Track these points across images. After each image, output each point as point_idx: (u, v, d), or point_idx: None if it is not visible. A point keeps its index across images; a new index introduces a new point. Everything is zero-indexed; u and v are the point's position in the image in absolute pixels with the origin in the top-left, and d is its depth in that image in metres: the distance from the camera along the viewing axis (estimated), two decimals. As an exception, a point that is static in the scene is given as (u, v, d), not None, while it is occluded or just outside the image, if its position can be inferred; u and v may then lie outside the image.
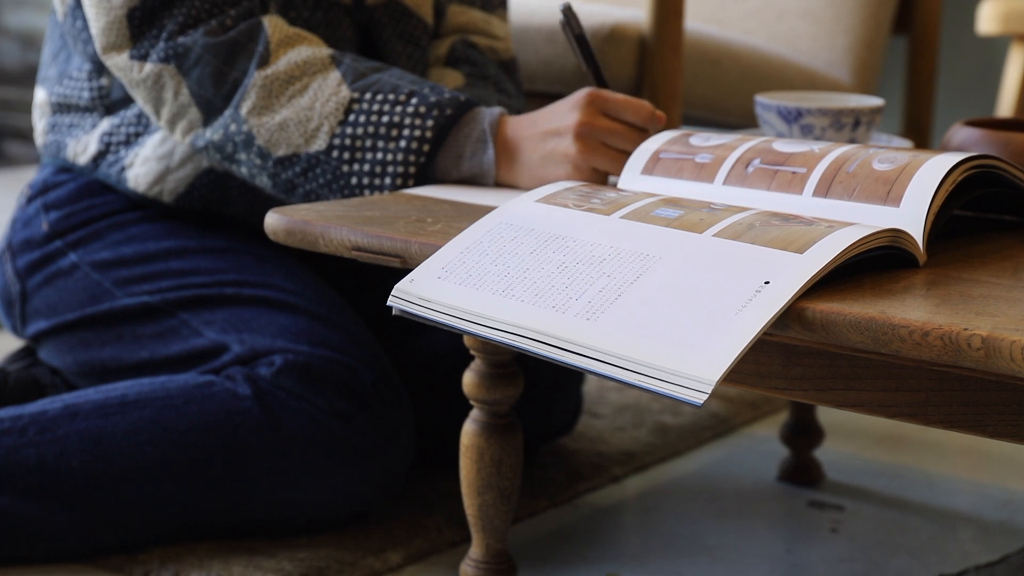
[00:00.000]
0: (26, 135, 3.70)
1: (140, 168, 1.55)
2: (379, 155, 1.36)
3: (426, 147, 1.36)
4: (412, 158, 1.36)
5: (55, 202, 1.61)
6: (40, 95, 1.65)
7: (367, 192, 1.37)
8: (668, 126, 1.86)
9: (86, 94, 1.59)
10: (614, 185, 1.25)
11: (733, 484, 1.73)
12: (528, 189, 1.34)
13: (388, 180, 1.36)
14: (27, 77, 3.72)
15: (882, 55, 2.24)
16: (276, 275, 1.55)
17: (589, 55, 1.37)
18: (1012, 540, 1.57)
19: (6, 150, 3.88)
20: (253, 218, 1.55)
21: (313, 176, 1.39)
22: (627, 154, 1.32)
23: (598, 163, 1.32)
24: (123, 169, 1.56)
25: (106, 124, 1.58)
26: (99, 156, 1.58)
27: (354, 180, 1.37)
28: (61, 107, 1.62)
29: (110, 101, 1.58)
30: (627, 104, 1.33)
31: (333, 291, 1.59)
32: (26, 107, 3.60)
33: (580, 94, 1.34)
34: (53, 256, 1.59)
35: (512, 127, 1.36)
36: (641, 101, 1.34)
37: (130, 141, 1.56)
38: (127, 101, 1.57)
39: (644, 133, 1.33)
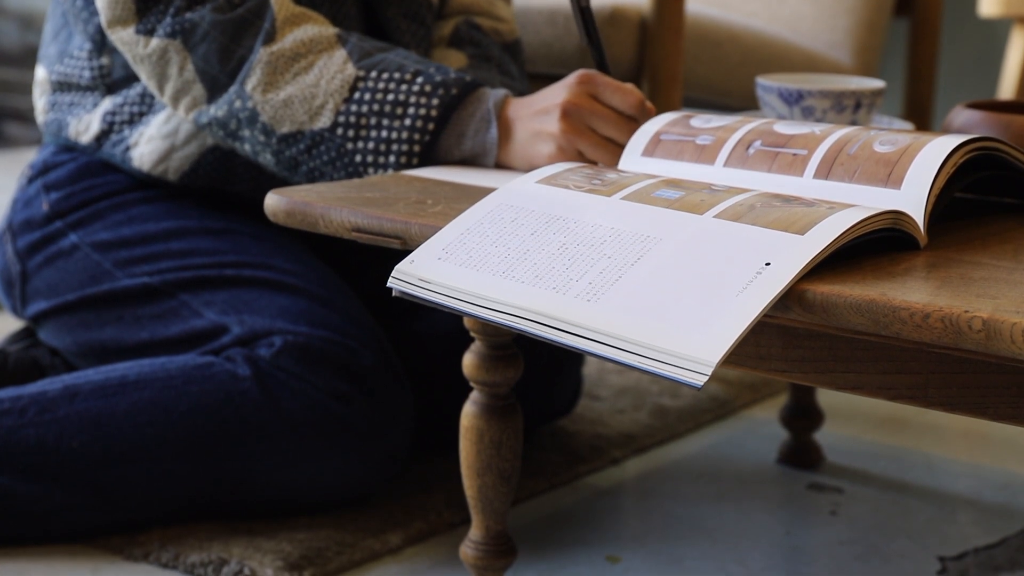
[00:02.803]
0: (26, 116, 3.70)
1: (145, 147, 1.55)
2: (384, 133, 1.36)
3: (431, 126, 1.36)
4: (417, 136, 1.36)
5: (55, 182, 1.61)
6: (40, 73, 1.65)
7: (371, 170, 1.37)
8: (669, 108, 1.86)
9: (87, 73, 1.59)
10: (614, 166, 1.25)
11: (733, 467, 1.73)
12: (518, 168, 1.34)
13: (392, 158, 1.36)
14: (27, 58, 3.71)
15: (883, 37, 2.23)
16: (276, 256, 1.55)
17: (592, 32, 1.37)
18: (1011, 523, 1.57)
19: (6, 131, 3.88)
20: (258, 195, 1.54)
21: (317, 153, 1.39)
22: (611, 142, 1.31)
23: (582, 146, 1.31)
24: (128, 149, 1.56)
25: (108, 103, 1.58)
26: (102, 135, 1.58)
27: (358, 158, 1.37)
28: (61, 85, 1.61)
29: (111, 80, 1.58)
30: (617, 89, 1.32)
31: (333, 272, 1.59)
32: (26, 88, 3.59)
33: (572, 75, 1.33)
34: (54, 236, 1.59)
35: (511, 108, 1.36)
36: (632, 88, 1.33)
37: (134, 120, 1.56)
38: (128, 80, 1.57)
39: (632, 121, 1.32)
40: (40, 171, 1.63)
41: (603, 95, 1.32)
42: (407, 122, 1.36)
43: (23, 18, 3.82)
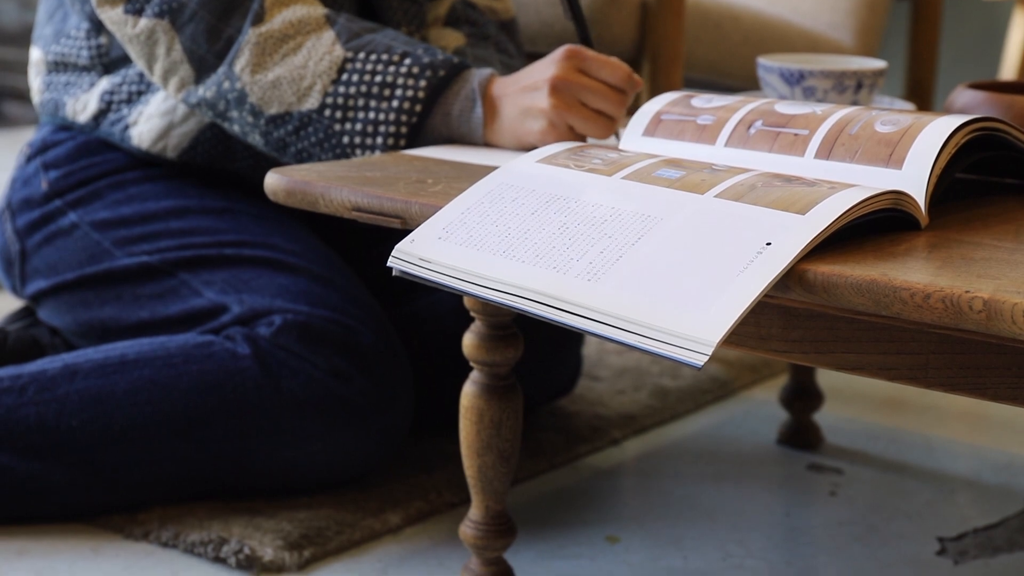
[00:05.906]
0: (25, 96, 3.70)
1: (144, 125, 1.55)
2: (371, 114, 1.36)
3: (418, 107, 1.35)
4: (404, 118, 1.35)
5: (54, 161, 1.60)
6: (35, 54, 1.64)
7: (358, 151, 1.37)
8: (670, 88, 1.86)
9: (85, 53, 1.58)
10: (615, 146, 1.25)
11: (733, 447, 1.73)
12: (507, 146, 1.35)
13: (380, 140, 1.36)
14: (26, 37, 3.70)
15: (885, 18, 2.23)
16: (276, 235, 1.55)
17: (575, 6, 1.37)
18: (1010, 503, 1.58)
19: (5, 110, 3.87)
20: (258, 174, 1.54)
21: (305, 135, 1.39)
22: (602, 115, 1.32)
23: (573, 120, 1.31)
24: (127, 127, 1.56)
25: (106, 83, 1.57)
26: (100, 114, 1.57)
27: (346, 139, 1.37)
28: (58, 66, 1.61)
29: (109, 60, 1.58)
30: (605, 63, 1.33)
31: (333, 252, 1.59)
32: (25, 68, 3.59)
33: (559, 51, 1.33)
34: (53, 215, 1.59)
35: (497, 85, 1.36)
36: (619, 62, 1.34)
37: (132, 99, 1.56)
38: (127, 59, 1.57)
39: (621, 94, 1.32)
40: (39, 149, 1.62)
41: (591, 69, 1.32)
42: (395, 103, 1.36)
43: (22, -3, 3.82)
